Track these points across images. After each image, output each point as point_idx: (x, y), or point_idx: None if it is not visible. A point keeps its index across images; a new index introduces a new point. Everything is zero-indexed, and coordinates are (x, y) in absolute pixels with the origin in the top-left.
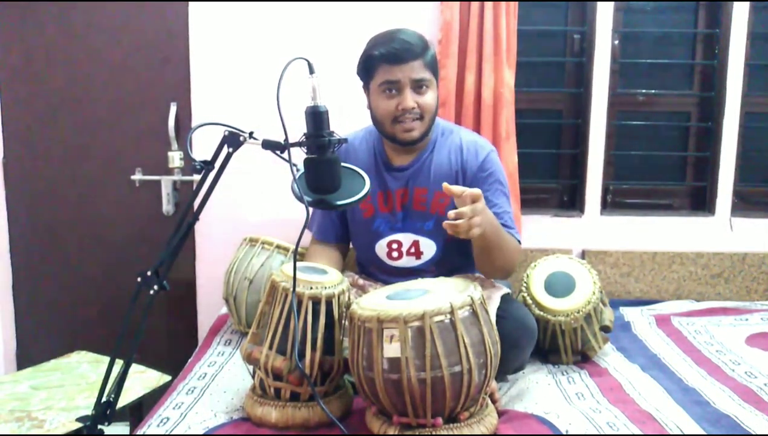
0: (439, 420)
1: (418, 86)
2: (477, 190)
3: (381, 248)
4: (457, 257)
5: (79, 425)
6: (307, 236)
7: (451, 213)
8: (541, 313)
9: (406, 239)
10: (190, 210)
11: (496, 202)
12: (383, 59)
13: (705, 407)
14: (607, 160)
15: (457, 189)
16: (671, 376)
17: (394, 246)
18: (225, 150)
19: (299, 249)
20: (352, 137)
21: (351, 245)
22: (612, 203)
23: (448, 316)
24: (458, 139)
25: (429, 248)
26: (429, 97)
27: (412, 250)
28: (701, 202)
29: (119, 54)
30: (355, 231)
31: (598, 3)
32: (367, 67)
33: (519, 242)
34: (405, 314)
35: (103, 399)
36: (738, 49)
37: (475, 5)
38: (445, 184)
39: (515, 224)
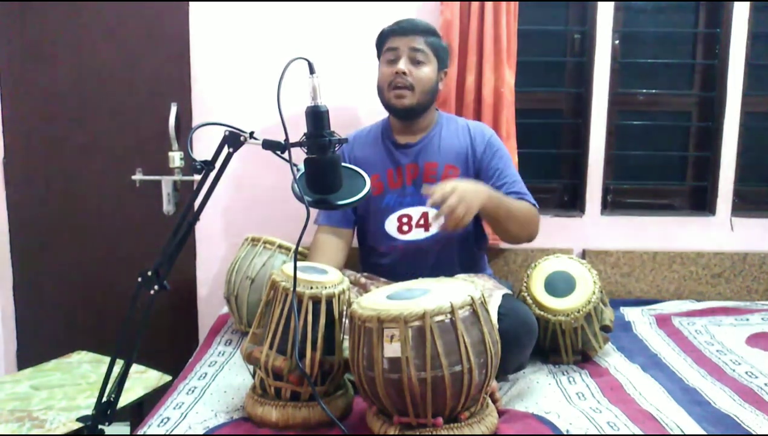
0: (440, 420)
1: (415, 59)
2: (447, 187)
3: (391, 222)
4: (462, 229)
5: (80, 425)
6: (308, 236)
7: (433, 216)
8: (542, 312)
9: (415, 212)
10: (191, 210)
11: (507, 172)
12: (391, 32)
13: (705, 407)
14: (607, 160)
15: (433, 198)
16: (672, 376)
17: (405, 220)
18: (225, 150)
19: (301, 249)
20: (358, 130)
21: (354, 244)
22: (612, 203)
23: (449, 315)
24: (463, 122)
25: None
26: (423, 72)
27: (422, 221)
28: (702, 202)
29: (120, 54)
30: (365, 210)
31: (599, 3)
32: (378, 42)
33: (535, 205)
34: (405, 314)
35: (104, 399)
36: (738, 49)
37: (475, 5)
38: (424, 193)
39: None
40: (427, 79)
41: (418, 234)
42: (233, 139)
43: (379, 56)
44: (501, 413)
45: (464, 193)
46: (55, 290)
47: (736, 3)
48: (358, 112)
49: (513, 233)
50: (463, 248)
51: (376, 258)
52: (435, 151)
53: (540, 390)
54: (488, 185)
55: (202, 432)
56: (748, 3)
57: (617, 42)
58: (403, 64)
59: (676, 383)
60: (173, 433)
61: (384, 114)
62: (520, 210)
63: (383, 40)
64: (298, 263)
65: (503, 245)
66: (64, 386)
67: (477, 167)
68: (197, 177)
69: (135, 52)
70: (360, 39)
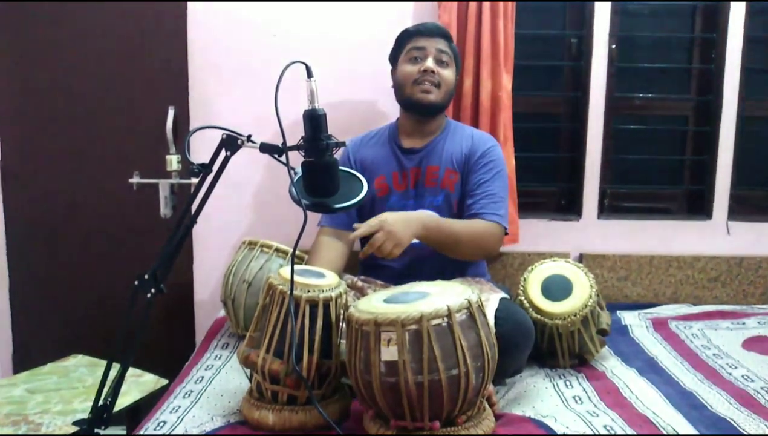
0: (437, 424)
1: (441, 60)
2: (374, 222)
3: None
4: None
5: (76, 428)
6: (305, 239)
7: (360, 253)
8: (539, 316)
9: None
10: (188, 213)
11: (489, 186)
12: (416, 33)
13: (702, 410)
14: (604, 164)
15: (358, 232)
16: (668, 380)
17: None
18: (223, 153)
19: (298, 252)
20: (365, 133)
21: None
22: (609, 207)
23: (446, 319)
24: (469, 131)
25: None
26: (448, 73)
27: None
28: (698, 205)
29: (117, 57)
30: (369, 211)
31: (596, 7)
32: (399, 42)
33: (503, 226)
34: (402, 318)
35: (100, 403)
36: (735, 54)
37: (473, 7)
38: (355, 227)
39: (509, 215)
40: (451, 81)
41: None
42: (230, 143)
43: (396, 55)
44: (498, 417)
45: (392, 229)
46: (51, 293)
47: (732, 7)
48: (355, 114)
49: (464, 254)
50: None
51: (377, 259)
52: (438, 156)
53: (537, 394)
54: (429, 213)
55: (198, 435)
56: (744, 7)
57: (614, 46)
58: (431, 63)
59: (673, 387)
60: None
61: (386, 118)
62: (469, 233)
63: (406, 39)
64: (296, 267)
65: (501, 248)
66: (61, 389)
67: (467, 172)
68: (194, 180)
69: (132, 54)
70: (358, 41)
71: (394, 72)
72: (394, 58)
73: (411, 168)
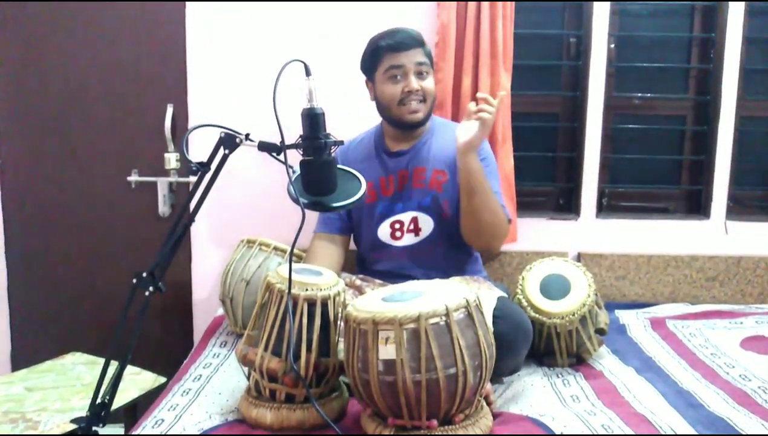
0: (434, 422)
1: (420, 72)
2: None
3: (384, 229)
4: (454, 231)
5: (74, 426)
6: (303, 238)
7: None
8: (537, 315)
9: (406, 217)
10: (186, 212)
11: (489, 181)
12: (389, 48)
13: (699, 410)
14: (602, 164)
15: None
16: (666, 379)
17: (396, 226)
18: (221, 152)
19: (296, 251)
20: (351, 140)
21: (351, 245)
22: (607, 206)
23: (443, 318)
24: (455, 128)
25: (426, 223)
26: (429, 82)
27: (411, 226)
28: (696, 205)
29: (116, 55)
30: (359, 218)
31: (595, 6)
32: (373, 57)
33: (509, 218)
34: (400, 316)
35: (98, 401)
36: (733, 54)
37: (471, 7)
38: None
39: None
40: (433, 90)
41: (409, 239)
42: (229, 141)
43: (371, 68)
44: (495, 416)
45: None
46: (49, 291)
47: (731, 7)
48: (353, 114)
49: (481, 225)
50: (455, 250)
51: (371, 264)
52: (425, 157)
53: (534, 393)
54: None
55: (196, 433)
56: (742, 8)
57: (613, 46)
58: (414, 83)
59: (671, 386)
60: (168, 434)
61: (375, 120)
62: (494, 204)
63: (379, 57)
64: (294, 265)
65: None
66: (59, 387)
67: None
68: (193, 178)
69: (131, 53)
70: (357, 41)
71: (370, 84)
72: (368, 71)
73: (398, 171)
